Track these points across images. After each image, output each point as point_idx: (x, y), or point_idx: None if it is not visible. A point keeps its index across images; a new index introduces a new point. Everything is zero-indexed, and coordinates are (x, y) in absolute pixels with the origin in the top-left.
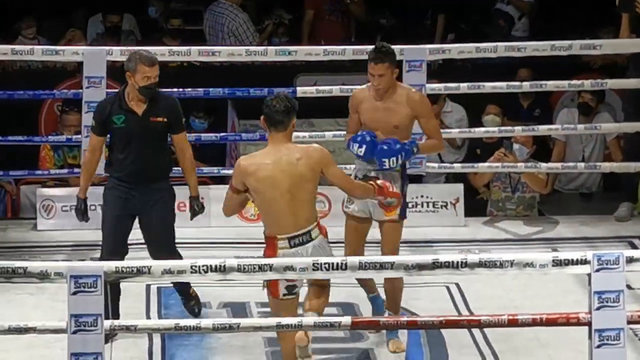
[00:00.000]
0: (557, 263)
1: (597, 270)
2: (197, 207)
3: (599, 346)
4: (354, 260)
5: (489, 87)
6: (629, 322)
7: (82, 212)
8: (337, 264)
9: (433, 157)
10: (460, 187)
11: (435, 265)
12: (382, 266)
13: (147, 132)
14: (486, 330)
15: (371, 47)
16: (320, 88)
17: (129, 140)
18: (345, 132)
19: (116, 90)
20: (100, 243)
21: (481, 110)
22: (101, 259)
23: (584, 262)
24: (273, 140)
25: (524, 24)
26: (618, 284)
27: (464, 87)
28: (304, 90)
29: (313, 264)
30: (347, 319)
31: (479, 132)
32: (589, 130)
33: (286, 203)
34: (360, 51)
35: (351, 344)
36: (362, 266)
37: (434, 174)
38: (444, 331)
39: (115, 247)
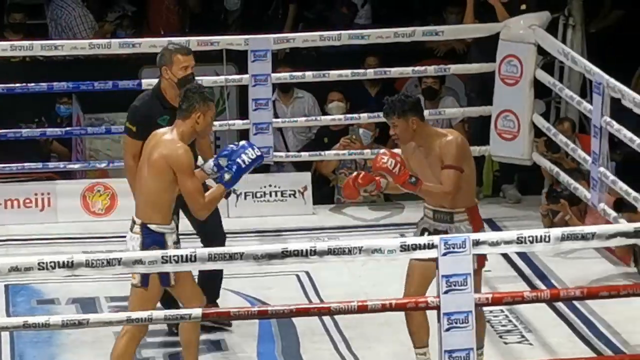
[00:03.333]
0: (405, 248)
1: (444, 254)
2: None
3: (447, 329)
4: (203, 252)
5: (334, 75)
6: (476, 305)
7: None
8: (187, 255)
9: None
10: (307, 175)
11: (285, 254)
12: (231, 257)
13: None
14: (337, 317)
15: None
16: None
17: None
18: None
19: None
20: None
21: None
22: None
23: (431, 246)
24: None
25: (367, 11)
26: (465, 267)
27: (309, 75)
28: (149, 82)
29: (162, 257)
30: (197, 311)
31: (325, 120)
32: (434, 116)
33: None
34: (204, 42)
35: (203, 336)
36: (212, 257)
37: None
38: (295, 320)
39: None
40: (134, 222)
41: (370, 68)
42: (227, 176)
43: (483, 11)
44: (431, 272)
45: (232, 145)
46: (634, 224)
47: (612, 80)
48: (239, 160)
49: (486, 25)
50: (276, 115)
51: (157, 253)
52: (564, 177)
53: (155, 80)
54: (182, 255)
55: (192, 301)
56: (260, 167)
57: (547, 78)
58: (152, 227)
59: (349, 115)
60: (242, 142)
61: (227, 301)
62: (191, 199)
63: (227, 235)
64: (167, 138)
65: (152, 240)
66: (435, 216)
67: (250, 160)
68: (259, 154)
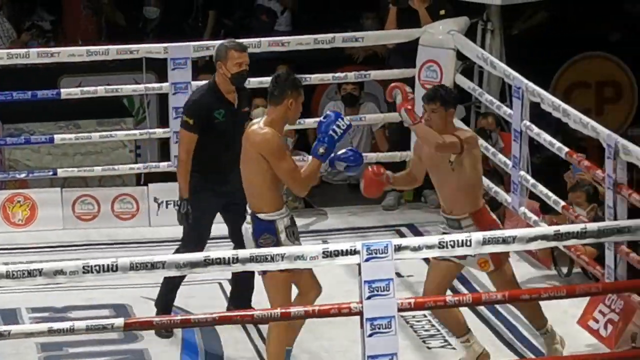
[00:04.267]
0: (327, 254)
1: (367, 260)
2: None
3: (371, 335)
4: (124, 261)
5: (255, 82)
6: (399, 310)
7: (187, 214)
8: (108, 265)
9: None
10: None
11: (207, 263)
12: (153, 266)
13: (240, 123)
14: (260, 325)
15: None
16: (85, 89)
17: (230, 134)
18: None
19: None
20: None
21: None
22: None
23: (354, 252)
24: None
25: (286, 19)
26: (387, 272)
27: None
28: (68, 92)
29: (83, 267)
30: (119, 321)
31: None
32: (355, 122)
33: None
34: (123, 51)
35: (125, 345)
36: (133, 267)
37: None
38: (218, 328)
39: (204, 242)
40: (247, 214)
41: None
42: (321, 149)
43: (405, 16)
44: (452, 272)
45: (320, 119)
46: (554, 227)
47: (531, 85)
48: (330, 132)
49: (406, 31)
50: None
51: (78, 263)
52: (484, 181)
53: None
54: (102, 265)
55: (310, 291)
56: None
57: (466, 83)
58: (261, 216)
59: None
60: (329, 113)
61: (149, 310)
62: (288, 179)
63: (149, 245)
64: (254, 127)
65: (262, 228)
66: (448, 223)
67: (341, 131)
68: (348, 123)
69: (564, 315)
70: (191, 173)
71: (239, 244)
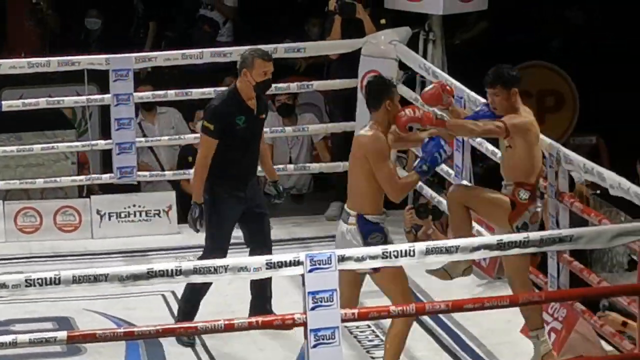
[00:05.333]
0: (271, 265)
1: (310, 271)
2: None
3: (315, 346)
4: (67, 274)
5: (197, 93)
6: (343, 321)
7: (199, 219)
8: (51, 278)
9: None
10: (172, 194)
11: (150, 275)
12: (96, 279)
13: (259, 130)
14: (204, 336)
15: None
16: (27, 101)
17: (249, 140)
18: None
19: None
20: None
21: (192, 116)
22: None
23: (297, 263)
24: None
25: (228, 29)
26: (331, 283)
27: (171, 94)
28: (10, 104)
29: (26, 280)
30: (62, 334)
31: (189, 138)
32: (297, 132)
33: None
34: (65, 62)
35: (68, 359)
36: (76, 280)
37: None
38: (162, 340)
39: (226, 249)
40: (348, 214)
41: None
42: (424, 167)
43: (348, 26)
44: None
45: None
46: (497, 236)
47: (473, 94)
48: (435, 154)
49: (348, 41)
50: (145, 134)
51: (20, 277)
52: (427, 191)
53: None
54: (45, 278)
55: (397, 299)
56: (126, 186)
57: (408, 93)
58: (368, 217)
59: None
60: (435, 138)
61: (93, 322)
62: (386, 183)
63: (92, 257)
64: (362, 131)
65: (370, 228)
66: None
67: (446, 156)
68: (450, 152)
69: (507, 324)
70: (211, 179)
71: (258, 247)
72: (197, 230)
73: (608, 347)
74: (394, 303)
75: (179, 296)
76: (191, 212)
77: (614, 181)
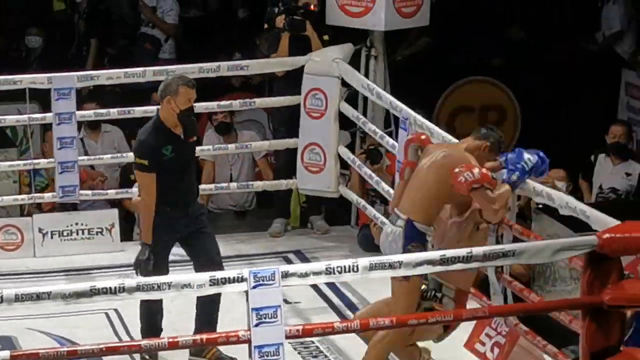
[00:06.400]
0: (215, 282)
1: (254, 287)
2: None
3: None
4: (9, 292)
5: (139, 111)
6: (287, 337)
7: (150, 262)
8: None
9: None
10: (114, 212)
11: (93, 292)
12: (38, 297)
13: (190, 153)
14: (167, 354)
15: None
16: None
17: (181, 167)
18: None
19: None
20: None
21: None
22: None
23: (241, 279)
24: None
25: (170, 46)
26: (275, 299)
27: (114, 112)
28: None
29: None
30: (5, 353)
31: (131, 156)
32: (239, 150)
33: None
34: (7, 81)
35: None
36: (19, 298)
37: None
38: (105, 359)
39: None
40: (397, 217)
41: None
42: (513, 177)
43: (296, 43)
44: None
45: (516, 150)
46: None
47: (420, 118)
48: (522, 163)
49: (291, 59)
50: (87, 152)
51: None
52: (371, 211)
53: None
54: None
55: (397, 311)
56: (68, 205)
57: (351, 111)
58: (417, 224)
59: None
60: (520, 149)
61: (36, 342)
62: (484, 202)
63: (34, 276)
64: (463, 145)
65: (415, 235)
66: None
67: (532, 165)
68: (536, 160)
69: (451, 339)
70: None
71: (205, 266)
72: (147, 274)
73: None
74: (392, 313)
75: (122, 315)
76: (140, 254)
77: (562, 201)
